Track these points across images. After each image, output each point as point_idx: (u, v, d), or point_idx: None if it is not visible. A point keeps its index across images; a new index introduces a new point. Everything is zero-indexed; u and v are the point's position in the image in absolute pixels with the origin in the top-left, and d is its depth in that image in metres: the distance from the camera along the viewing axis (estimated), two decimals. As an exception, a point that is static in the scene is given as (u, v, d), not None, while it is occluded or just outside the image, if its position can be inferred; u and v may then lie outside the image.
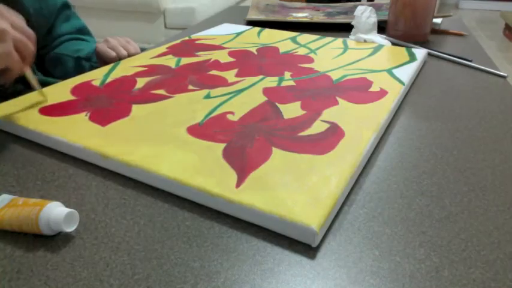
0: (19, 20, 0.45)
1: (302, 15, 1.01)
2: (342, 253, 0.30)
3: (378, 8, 1.03)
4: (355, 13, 0.78)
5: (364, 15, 0.77)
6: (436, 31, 0.90)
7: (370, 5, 0.81)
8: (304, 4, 1.15)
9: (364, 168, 0.41)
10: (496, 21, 3.78)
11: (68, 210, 0.31)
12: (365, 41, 0.76)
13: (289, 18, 0.97)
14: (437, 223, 0.33)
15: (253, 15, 1.01)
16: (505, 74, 0.65)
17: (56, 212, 0.30)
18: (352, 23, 0.79)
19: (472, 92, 0.59)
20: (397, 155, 0.43)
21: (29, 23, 0.58)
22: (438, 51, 0.74)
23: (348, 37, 0.80)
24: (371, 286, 0.28)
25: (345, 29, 0.87)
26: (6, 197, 0.34)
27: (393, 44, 0.77)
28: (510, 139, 0.46)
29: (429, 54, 0.75)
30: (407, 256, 0.30)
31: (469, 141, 0.46)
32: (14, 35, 0.43)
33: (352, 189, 0.37)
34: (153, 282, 0.28)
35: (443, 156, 0.43)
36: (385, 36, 0.82)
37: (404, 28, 0.82)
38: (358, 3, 1.01)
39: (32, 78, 0.49)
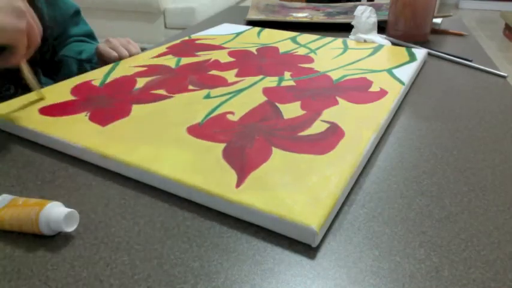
0: (32, 12, 0.47)
1: (302, 15, 1.01)
2: (342, 253, 0.30)
3: (378, 8, 1.03)
4: (355, 13, 0.78)
5: (364, 15, 0.77)
6: (436, 31, 0.90)
7: (370, 5, 0.81)
8: (304, 4, 1.15)
9: (364, 168, 0.41)
10: (496, 21, 3.78)
11: (68, 210, 0.31)
12: (365, 41, 0.76)
13: (289, 18, 0.97)
14: (437, 223, 0.33)
15: (253, 15, 1.01)
16: (505, 74, 0.65)
17: (56, 212, 0.30)
18: (352, 23, 0.79)
19: (472, 92, 0.59)
20: (397, 155, 0.43)
21: (44, 28, 0.61)
22: (438, 51, 0.74)
23: (348, 37, 0.80)
24: (371, 286, 0.28)
25: (345, 29, 0.87)
26: (6, 197, 0.34)
27: (393, 44, 0.77)
28: (510, 139, 0.46)
29: (429, 54, 0.75)
30: (407, 256, 0.30)
31: (469, 141, 0.46)
32: (28, 19, 0.45)
33: (352, 189, 0.37)
34: (153, 282, 0.28)
35: (443, 156, 0.43)
36: (385, 36, 0.82)
37: (404, 28, 0.82)
38: (358, 3, 1.01)
39: (29, 74, 0.50)
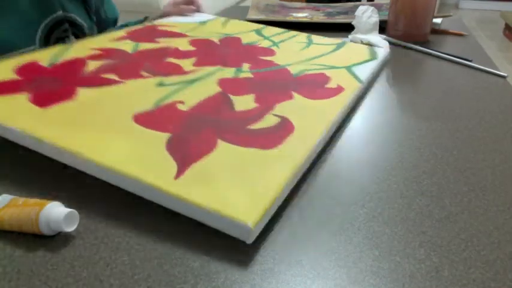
0: None
1: (302, 15, 1.01)
2: (342, 253, 0.30)
3: (378, 8, 1.03)
4: (356, 13, 0.78)
5: (365, 15, 0.77)
6: (436, 31, 0.90)
7: (370, 5, 0.81)
8: (304, 4, 1.15)
9: (363, 166, 0.41)
10: (496, 21, 3.78)
11: (68, 210, 0.31)
12: (362, 42, 0.76)
13: (289, 18, 0.97)
14: (437, 223, 0.33)
15: (253, 15, 1.01)
16: (505, 74, 0.65)
17: (56, 212, 0.30)
18: (353, 23, 0.79)
19: (472, 92, 0.59)
20: (397, 155, 0.43)
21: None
22: (438, 51, 0.74)
23: (348, 37, 0.79)
24: (371, 286, 0.28)
25: (345, 29, 0.87)
26: (6, 197, 0.34)
27: (393, 44, 0.77)
28: (510, 139, 0.46)
29: (429, 54, 0.75)
30: (407, 256, 0.30)
31: (469, 141, 0.46)
32: None
33: (351, 189, 0.37)
34: (153, 282, 0.28)
35: (443, 156, 0.43)
36: (385, 36, 0.82)
37: (404, 28, 0.82)
38: (358, 3, 1.01)
39: None
